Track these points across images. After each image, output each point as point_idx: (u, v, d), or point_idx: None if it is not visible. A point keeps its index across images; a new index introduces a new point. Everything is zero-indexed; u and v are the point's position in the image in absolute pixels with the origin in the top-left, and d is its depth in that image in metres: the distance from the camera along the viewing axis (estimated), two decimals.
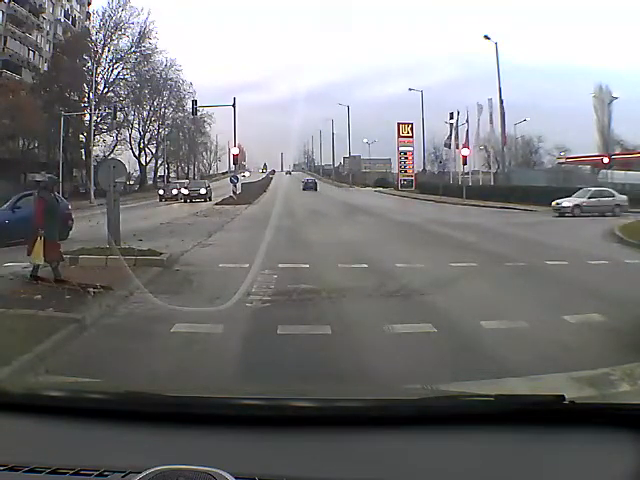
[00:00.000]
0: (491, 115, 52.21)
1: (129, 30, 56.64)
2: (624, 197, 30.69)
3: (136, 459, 1.53)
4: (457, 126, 55.55)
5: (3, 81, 46.00)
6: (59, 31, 56.83)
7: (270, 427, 1.68)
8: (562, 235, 19.33)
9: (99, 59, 56.38)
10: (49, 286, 8.97)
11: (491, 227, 21.87)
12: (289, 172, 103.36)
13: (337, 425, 1.68)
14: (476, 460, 1.56)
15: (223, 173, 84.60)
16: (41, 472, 1.51)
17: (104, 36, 56.94)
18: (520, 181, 44.76)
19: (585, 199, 29.93)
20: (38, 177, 48.79)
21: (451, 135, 56.77)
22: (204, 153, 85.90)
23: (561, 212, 29.10)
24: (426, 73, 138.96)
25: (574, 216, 28.06)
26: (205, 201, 42.25)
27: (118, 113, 53.48)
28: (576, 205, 29.37)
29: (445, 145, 58.90)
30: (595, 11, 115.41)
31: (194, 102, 50.22)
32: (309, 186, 57.63)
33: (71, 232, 17.36)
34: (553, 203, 30.08)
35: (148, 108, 62.21)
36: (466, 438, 1.63)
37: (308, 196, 47.82)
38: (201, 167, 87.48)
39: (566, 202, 29.96)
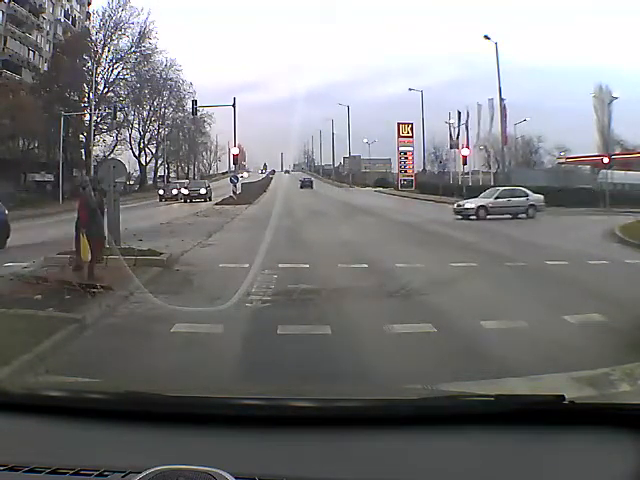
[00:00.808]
0: (491, 115, 52.26)
1: (129, 30, 56.67)
2: (540, 196, 28.27)
3: (136, 459, 1.53)
4: (458, 126, 55.60)
5: (3, 81, 45.97)
6: (59, 31, 56.78)
7: (270, 427, 1.68)
8: (563, 235, 19.32)
9: (99, 59, 56.38)
10: (49, 286, 8.97)
11: (491, 227, 21.87)
12: (287, 171, 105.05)
13: (337, 425, 1.68)
14: (476, 460, 1.56)
15: (223, 173, 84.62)
16: (41, 472, 1.51)
17: (104, 36, 56.97)
18: (520, 181, 44.63)
19: (492, 199, 27.44)
20: (38, 177, 49.07)
21: (452, 135, 56.82)
22: (204, 153, 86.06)
23: (463, 215, 26.43)
24: (426, 73, 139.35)
25: (479, 219, 25.78)
26: (205, 201, 42.28)
27: (118, 113, 53.45)
28: (481, 206, 26.77)
29: (451, 147, 58.76)
30: (595, 11, 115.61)
31: (194, 102, 50.23)
32: (306, 184, 65.57)
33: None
34: (455, 205, 27.77)
35: (148, 108, 62.25)
36: (466, 438, 1.63)
37: (308, 196, 47.83)
38: (201, 167, 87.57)
39: (469, 203, 27.40)
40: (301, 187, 62.74)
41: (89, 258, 10.02)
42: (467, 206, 27.19)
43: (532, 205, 27.47)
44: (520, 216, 26.38)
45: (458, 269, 11.19)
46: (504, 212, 26.57)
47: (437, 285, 9.49)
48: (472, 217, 26.16)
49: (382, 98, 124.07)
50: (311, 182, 68.12)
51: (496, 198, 27.60)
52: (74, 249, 10.55)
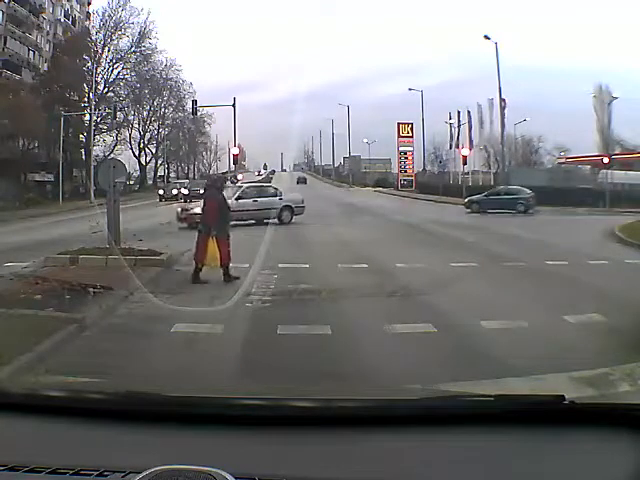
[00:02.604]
0: (491, 115, 52.33)
1: (129, 30, 56.69)
2: (297, 196, 23.96)
3: (136, 459, 1.52)
4: (458, 126, 55.65)
5: (3, 81, 45.93)
6: (59, 31, 56.76)
7: (270, 427, 1.67)
8: (562, 235, 19.31)
9: (99, 59, 56.40)
10: (49, 286, 8.97)
11: (491, 227, 21.86)
12: (284, 170, 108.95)
13: (337, 425, 1.68)
14: (476, 460, 1.56)
15: (223, 173, 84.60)
16: (41, 472, 1.51)
17: (104, 36, 56.98)
18: (520, 181, 44.62)
19: (231, 200, 18.94)
20: (38, 177, 49.08)
21: (452, 135, 56.92)
22: (204, 153, 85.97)
23: (190, 223, 18.17)
24: (426, 73, 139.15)
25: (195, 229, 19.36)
26: None
27: (118, 113, 53.47)
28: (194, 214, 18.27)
29: (451, 147, 58.81)
30: (595, 11, 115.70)
31: (194, 102, 50.17)
32: (300, 180, 75.14)
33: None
34: (178, 208, 22.25)
35: (148, 108, 62.26)
36: (466, 438, 1.63)
37: (307, 197, 47.74)
38: (201, 167, 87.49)
39: (199, 208, 16.83)
40: (297, 183, 70.84)
41: (218, 264, 9.99)
42: (197, 211, 17.74)
43: (287, 207, 22.56)
44: (270, 221, 20.58)
45: (458, 269, 11.20)
46: (248, 217, 20.80)
47: (437, 285, 9.51)
48: (194, 226, 18.06)
49: (382, 98, 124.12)
50: (305, 179, 78.12)
51: (238, 198, 21.39)
52: (196, 252, 10.38)
